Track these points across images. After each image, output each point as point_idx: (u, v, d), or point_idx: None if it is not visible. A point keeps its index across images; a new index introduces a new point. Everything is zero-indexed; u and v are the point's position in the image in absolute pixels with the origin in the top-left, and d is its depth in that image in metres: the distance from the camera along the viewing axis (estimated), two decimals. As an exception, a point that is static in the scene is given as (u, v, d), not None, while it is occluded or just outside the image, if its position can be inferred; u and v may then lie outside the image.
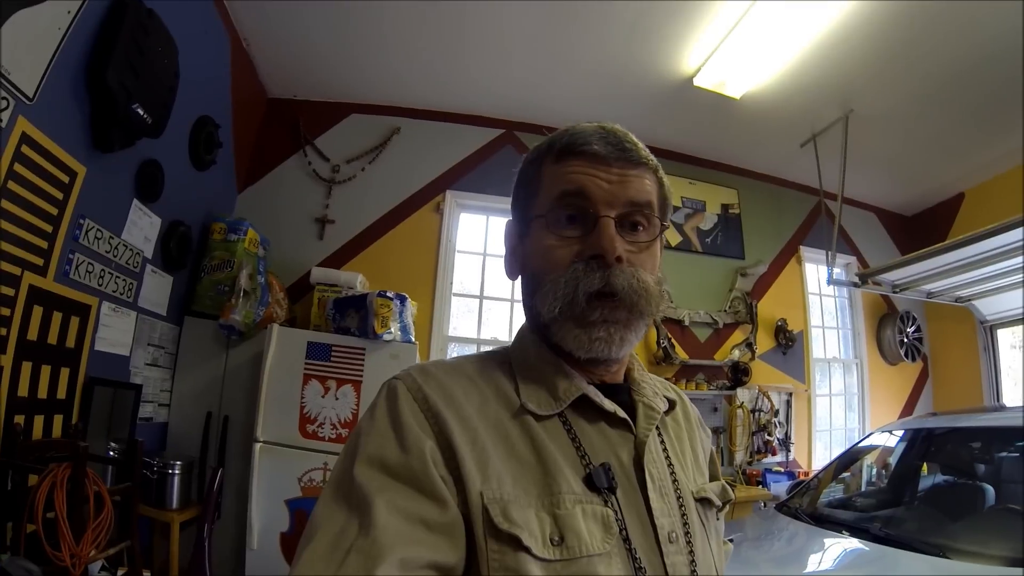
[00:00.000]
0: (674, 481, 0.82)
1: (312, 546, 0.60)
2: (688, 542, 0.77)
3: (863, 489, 3.43)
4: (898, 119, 4.79)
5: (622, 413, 0.81)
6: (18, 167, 2.21)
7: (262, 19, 3.99)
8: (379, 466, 0.67)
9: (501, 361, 0.86)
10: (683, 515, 0.79)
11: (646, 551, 0.72)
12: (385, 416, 0.73)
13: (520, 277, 0.89)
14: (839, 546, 2.54)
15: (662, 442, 0.86)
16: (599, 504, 0.71)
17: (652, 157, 0.84)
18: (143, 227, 3.20)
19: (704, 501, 0.86)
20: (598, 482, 0.73)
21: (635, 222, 0.81)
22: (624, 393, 0.86)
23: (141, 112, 2.77)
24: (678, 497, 0.80)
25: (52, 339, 2.53)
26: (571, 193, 0.79)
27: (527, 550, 0.64)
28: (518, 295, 0.90)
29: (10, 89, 2.10)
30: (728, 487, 0.93)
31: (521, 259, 0.88)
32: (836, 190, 4.92)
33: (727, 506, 0.92)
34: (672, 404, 0.93)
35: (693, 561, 0.76)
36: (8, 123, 2.12)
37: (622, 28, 3.88)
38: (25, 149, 2.24)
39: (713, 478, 0.96)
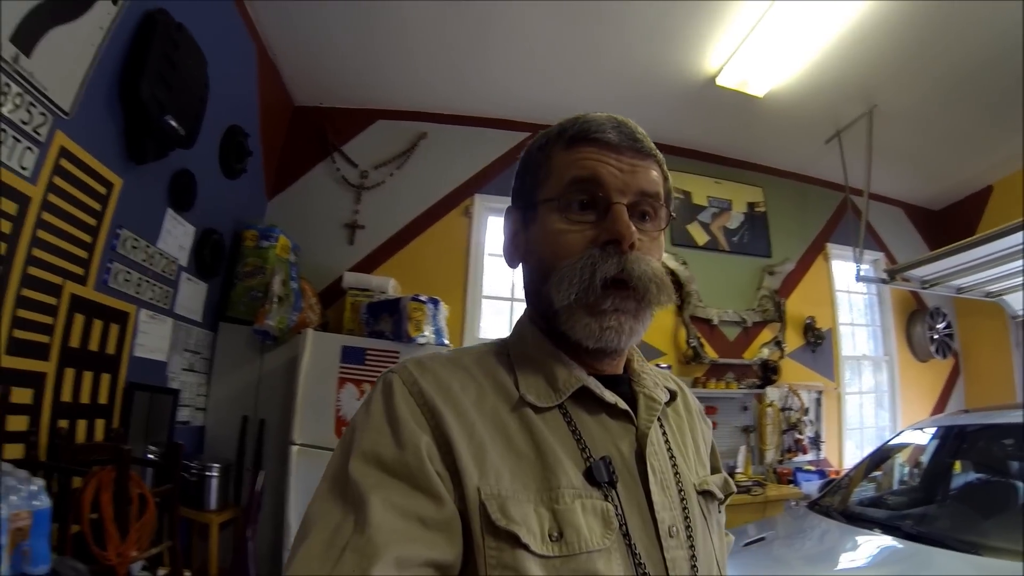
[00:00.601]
0: (676, 473, 0.81)
1: (307, 544, 0.60)
2: (689, 536, 0.76)
3: (895, 488, 3.39)
4: (922, 113, 4.73)
5: (623, 404, 0.80)
6: (57, 180, 2.29)
7: (287, 28, 4.06)
8: (374, 462, 0.66)
9: (499, 353, 0.84)
10: (684, 508, 0.78)
11: (646, 545, 0.71)
12: (380, 411, 0.72)
13: (523, 264, 0.87)
14: (872, 544, 2.49)
15: (664, 433, 0.85)
16: (599, 498, 0.70)
17: (658, 150, 0.84)
18: (177, 235, 3.28)
19: (706, 494, 0.85)
20: (598, 476, 0.71)
21: (643, 212, 0.80)
22: (624, 384, 0.85)
23: (174, 123, 2.84)
24: (679, 490, 0.79)
25: (93, 346, 2.60)
26: (584, 179, 0.78)
27: (525, 547, 0.64)
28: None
29: (48, 105, 2.17)
30: (730, 479, 0.92)
31: (525, 245, 0.86)
32: (862, 186, 4.88)
33: (729, 498, 0.91)
34: (673, 395, 0.91)
35: (694, 556, 0.75)
36: (47, 138, 2.19)
37: (644, 30, 3.89)
38: (64, 163, 2.31)
39: (714, 470, 0.95)
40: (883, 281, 4.92)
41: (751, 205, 5.73)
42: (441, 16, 3.89)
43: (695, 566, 0.74)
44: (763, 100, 4.57)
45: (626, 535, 0.70)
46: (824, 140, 5.16)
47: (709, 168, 5.65)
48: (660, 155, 0.84)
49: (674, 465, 0.81)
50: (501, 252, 0.93)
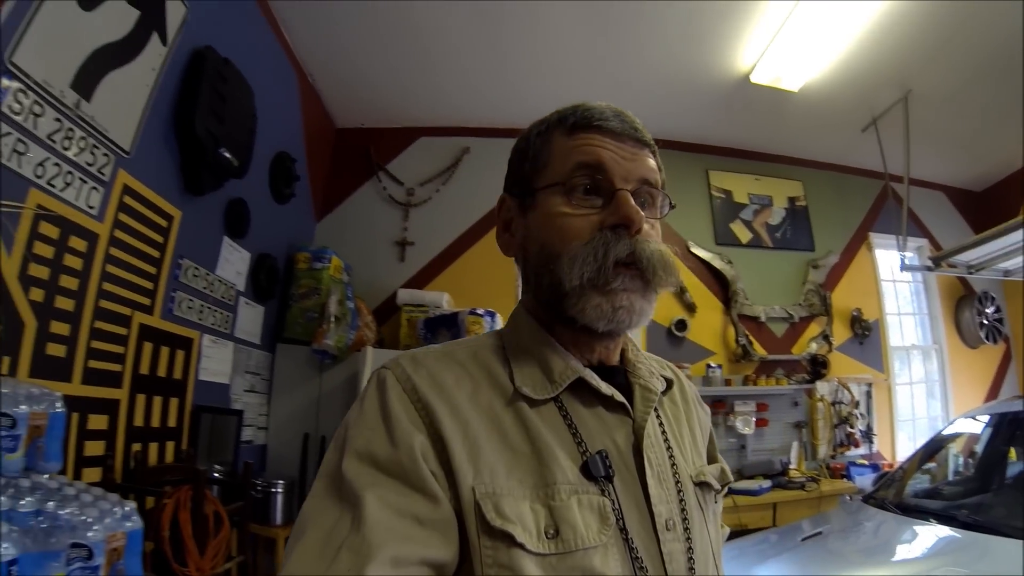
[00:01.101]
0: (672, 465, 0.80)
1: (303, 543, 0.60)
2: (685, 528, 0.76)
3: (950, 478, 3.31)
4: (958, 95, 4.62)
5: (620, 397, 0.79)
6: (122, 216, 2.41)
7: (325, 54, 4.18)
8: (369, 461, 0.65)
9: (494, 345, 0.84)
10: (681, 500, 0.77)
11: (643, 540, 0.71)
12: (374, 408, 0.71)
13: (522, 252, 0.86)
14: (928, 534, 2.44)
15: (660, 424, 0.84)
16: (595, 494, 0.70)
17: (653, 140, 0.85)
18: (234, 262, 3.40)
19: (703, 485, 0.84)
20: (595, 471, 0.71)
21: (643, 199, 0.80)
22: (620, 375, 0.84)
23: (228, 155, 2.96)
24: (676, 482, 0.78)
25: (161, 372, 2.73)
26: (588, 165, 0.78)
27: (521, 546, 0.63)
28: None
29: (110, 146, 2.29)
30: (727, 469, 0.92)
31: (523, 232, 0.85)
32: (901, 172, 4.78)
33: (726, 488, 0.91)
34: (669, 384, 0.91)
35: (690, 548, 0.74)
36: (110, 177, 2.32)
37: (675, 33, 3.91)
38: (127, 199, 2.43)
39: (711, 458, 0.95)
40: (928, 268, 4.79)
41: (792, 200, 5.67)
42: (474, 32, 3.95)
43: (692, 559, 0.74)
44: (798, 94, 4.53)
45: (623, 530, 0.69)
46: (861, 129, 5.07)
47: (748, 165, 5.63)
48: (655, 145, 0.85)
49: (671, 456, 0.81)
50: (497, 241, 0.92)
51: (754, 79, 4.34)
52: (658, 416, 0.84)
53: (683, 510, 0.77)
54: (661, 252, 0.78)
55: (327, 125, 4.96)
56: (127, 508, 1.69)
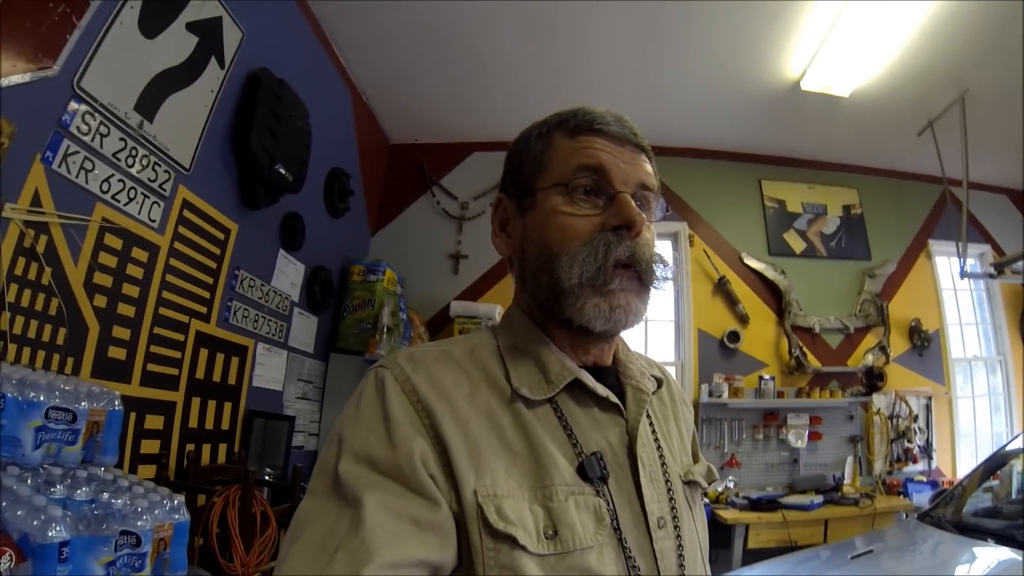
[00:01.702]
0: (663, 464, 0.82)
1: (300, 543, 0.61)
2: (676, 526, 0.77)
3: (1012, 496, 3.19)
4: (1017, 92, 4.34)
5: (614, 398, 0.80)
6: (182, 229, 2.56)
7: (377, 73, 4.30)
8: (367, 463, 0.66)
9: (490, 343, 0.84)
10: (671, 499, 0.79)
11: (636, 538, 0.73)
12: (372, 409, 0.71)
13: (520, 252, 0.87)
14: (988, 556, 2.34)
15: (651, 424, 0.85)
16: (591, 494, 0.71)
17: (649, 147, 0.87)
18: (289, 274, 3.54)
19: (691, 484, 0.86)
20: (591, 472, 0.72)
21: (639, 203, 0.82)
22: (611, 375, 0.85)
23: (283, 171, 3.09)
24: (666, 481, 0.80)
25: (216, 377, 2.86)
26: (590, 167, 0.80)
27: (523, 548, 0.65)
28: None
29: (170, 163, 2.44)
30: (713, 468, 0.93)
31: (521, 232, 0.87)
32: (960, 176, 4.59)
33: (712, 485, 0.92)
34: (659, 383, 0.92)
35: (680, 545, 0.76)
36: (171, 192, 2.47)
37: (723, 43, 3.89)
38: (187, 213, 2.59)
39: (694, 456, 0.96)
40: (990, 276, 4.58)
41: (846, 208, 5.52)
42: (525, 46, 4.01)
43: (682, 555, 0.76)
44: (849, 100, 4.43)
45: (617, 529, 0.71)
46: (916, 132, 4.89)
47: (801, 174, 5.51)
48: (651, 151, 0.88)
49: (661, 456, 0.83)
50: (492, 241, 0.95)
51: (804, 86, 4.26)
52: (648, 416, 0.85)
53: (673, 508, 0.79)
54: (656, 255, 0.81)
55: (381, 141, 5.11)
56: (176, 501, 1.78)
